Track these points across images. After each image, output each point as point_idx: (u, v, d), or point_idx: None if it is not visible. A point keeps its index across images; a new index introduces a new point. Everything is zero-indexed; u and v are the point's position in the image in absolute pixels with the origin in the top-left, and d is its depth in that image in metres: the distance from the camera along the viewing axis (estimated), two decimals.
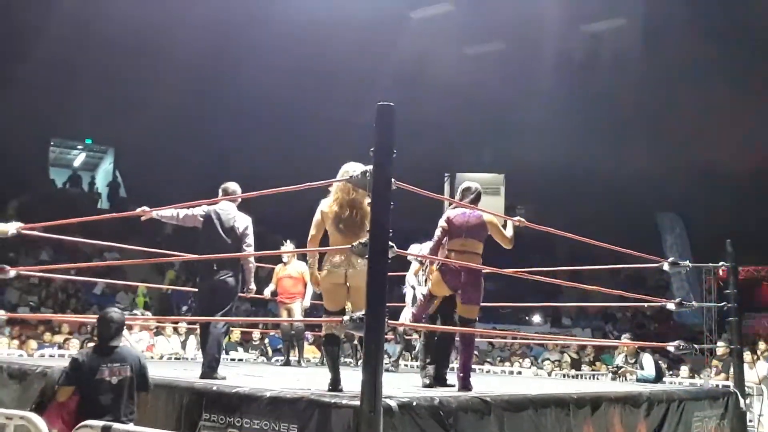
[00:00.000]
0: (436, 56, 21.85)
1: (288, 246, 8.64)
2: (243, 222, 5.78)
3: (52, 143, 25.41)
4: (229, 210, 5.79)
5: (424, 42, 21.39)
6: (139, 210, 6.00)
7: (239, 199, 5.92)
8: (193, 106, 21.80)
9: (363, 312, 3.85)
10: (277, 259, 8.96)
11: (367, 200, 4.58)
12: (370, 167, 4.08)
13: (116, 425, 2.83)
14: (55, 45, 18.89)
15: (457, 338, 5.58)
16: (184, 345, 10.25)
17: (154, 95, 20.17)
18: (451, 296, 5.39)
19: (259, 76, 20.38)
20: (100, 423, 2.84)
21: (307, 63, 20.84)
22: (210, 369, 5.36)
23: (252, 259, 5.90)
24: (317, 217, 4.83)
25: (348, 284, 4.64)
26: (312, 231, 4.86)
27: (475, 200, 5.51)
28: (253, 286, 6.08)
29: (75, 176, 25.36)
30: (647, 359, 9.14)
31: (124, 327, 4.81)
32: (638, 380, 8.88)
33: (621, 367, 9.35)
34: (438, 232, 5.43)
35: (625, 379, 9.19)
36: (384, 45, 21.16)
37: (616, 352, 10.17)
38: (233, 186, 5.95)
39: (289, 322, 8.68)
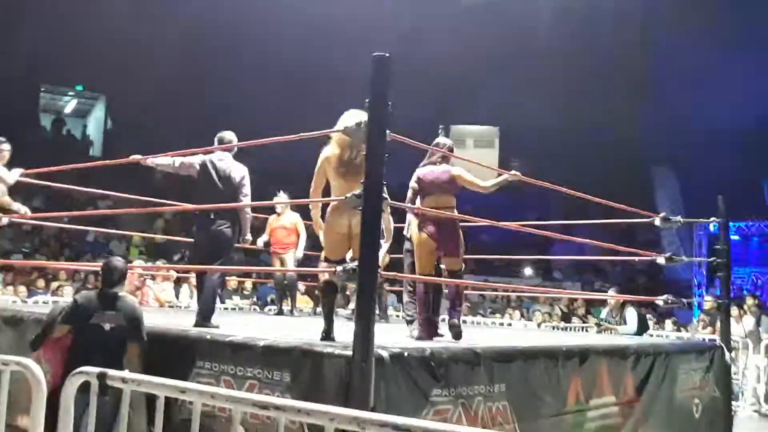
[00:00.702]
0: (433, 8, 21.56)
1: (281, 196, 8.64)
2: (239, 172, 5.73)
3: (42, 89, 25.10)
4: (225, 159, 5.73)
5: None
6: (132, 157, 5.97)
7: (235, 149, 5.86)
8: (189, 55, 21.53)
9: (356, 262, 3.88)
10: (271, 210, 8.97)
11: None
12: (365, 118, 4.06)
13: (111, 371, 2.85)
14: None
15: (446, 289, 5.66)
16: (177, 293, 10.29)
17: (149, 44, 19.89)
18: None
19: (257, 28, 20.12)
20: (96, 369, 2.86)
21: (304, 15, 20.54)
22: (203, 318, 5.40)
23: (248, 209, 5.86)
24: (319, 165, 4.77)
25: (352, 232, 4.58)
26: (313, 181, 4.81)
27: (445, 156, 5.52)
28: (249, 237, 6.05)
29: (58, 120, 25.17)
30: (630, 313, 9.23)
31: (126, 275, 4.85)
32: (621, 334, 9.00)
33: (604, 320, 9.47)
34: (409, 194, 5.41)
35: (610, 334, 9.30)
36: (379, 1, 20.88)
37: (603, 307, 10.29)
38: (229, 135, 5.88)
39: (282, 272, 8.73)
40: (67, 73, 23.34)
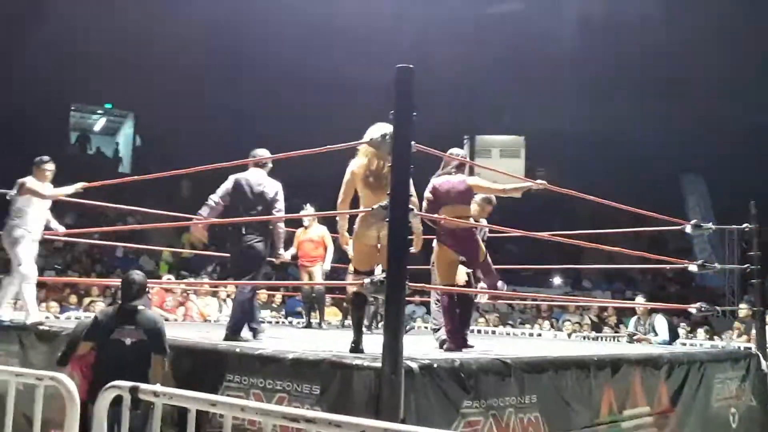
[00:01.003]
0: (458, 17, 21.57)
1: (308, 209, 8.67)
2: (272, 188, 5.80)
3: (72, 108, 25.51)
4: (258, 176, 5.82)
5: (445, 2, 21.11)
6: (193, 224, 6.12)
7: (270, 166, 5.95)
8: (214, 71, 21.74)
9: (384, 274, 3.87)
10: (298, 223, 9.00)
11: None
12: (390, 129, 4.06)
13: (143, 385, 2.87)
14: (74, 8, 18.86)
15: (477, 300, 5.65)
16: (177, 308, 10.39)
17: (174, 60, 20.14)
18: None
19: (280, 40, 20.28)
20: (128, 383, 2.88)
21: (328, 26, 20.67)
22: (233, 332, 5.43)
23: (281, 224, 5.92)
24: (347, 177, 4.80)
25: (380, 244, 4.61)
26: (341, 193, 4.83)
27: (460, 166, 5.51)
28: (282, 251, 6.12)
29: (86, 138, 25.58)
30: (660, 321, 9.03)
31: (146, 289, 4.96)
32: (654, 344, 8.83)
33: (635, 334, 9.26)
34: (424, 204, 5.31)
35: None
36: (404, 6, 20.92)
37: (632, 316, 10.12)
38: (261, 152, 5.95)
39: (310, 285, 8.74)
40: (96, 91, 23.70)
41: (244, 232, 5.63)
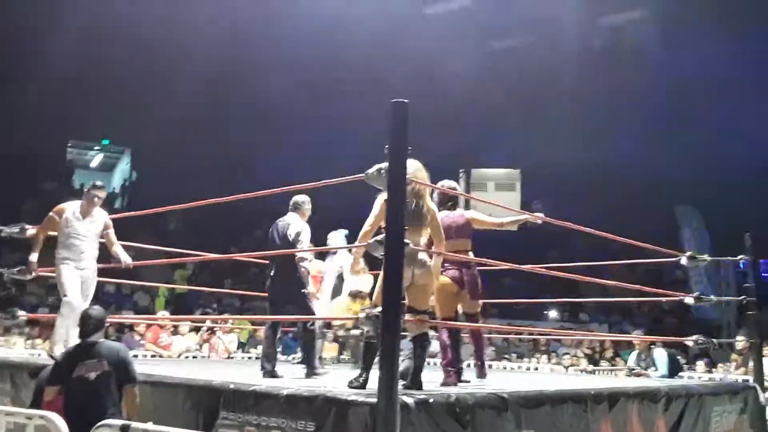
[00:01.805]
0: (452, 52, 21.80)
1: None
2: (295, 228, 6.02)
3: (69, 144, 25.60)
4: (289, 220, 6.11)
5: (441, 38, 21.35)
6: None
7: (307, 212, 6.21)
8: (210, 107, 21.90)
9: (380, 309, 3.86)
10: None
11: (428, 192, 4.78)
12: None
13: (135, 424, 2.84)
14: (71, 46, 19.02)
15: (465, 333, 5.66)
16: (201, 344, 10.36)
17: (171, 96, 20.26)
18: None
19: (276, 77, 20.45)
20: (119, 422, 2.85)
21: (324, 61, 20.88)
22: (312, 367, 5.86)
23: (305, 263, 6.04)
24: (380, 209, 4.60)
25: (414, 283, 4.62)
26: (369, 223, 4.67)
27: (455, 200, 5.59)
28: (310, 288, 6.19)
29: (83, 175, 25.62)
30: (660, 354, 9.02)
31: (105, 322, 4.80)
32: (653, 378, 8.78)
33: (633, 369, 9.23)
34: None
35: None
36: (401, 42, 21.15)
37: (632, 352, 10.07)
38: (301, 198, 6.20)
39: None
40: (94, 127, 23.81)
41: (272, 274, 6.01)
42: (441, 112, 20.38)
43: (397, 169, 3.98)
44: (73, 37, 18.96)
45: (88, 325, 4.65)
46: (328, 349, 10.43)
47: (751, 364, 7.56)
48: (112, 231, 6.60)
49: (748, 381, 7.31)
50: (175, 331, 10.15)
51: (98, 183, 6.57)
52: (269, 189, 5.65)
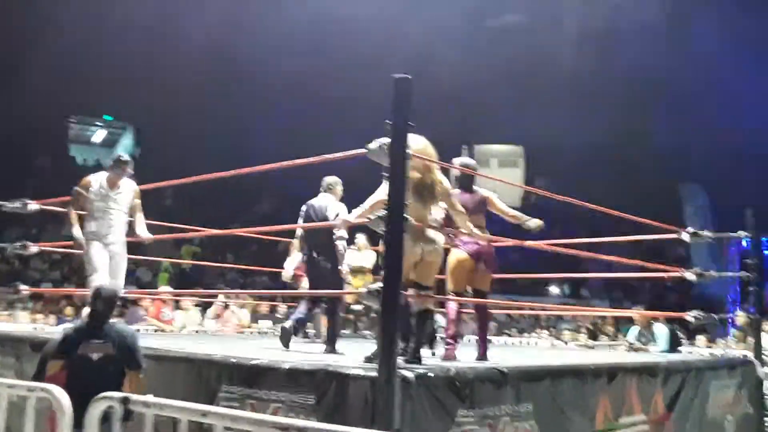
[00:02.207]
0: (458, 28, 21.67)
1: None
2: (333, 210, 6.04)
3: (71, 120, 25.57)
4: (325, 202, 6.14)
5: (444, 14, 21.20)
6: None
7: (340, 192, 6.24)
8: (213, 83, 21.85)
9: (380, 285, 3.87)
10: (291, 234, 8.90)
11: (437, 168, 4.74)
12: (386, 140, 4.07)
13: (134, 396, 2.87)
14: (74, 22, 18.94)
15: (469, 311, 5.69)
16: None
17: (173, 73, 20.21)
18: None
19: (276, 55, 20.36)
20: (119, 394, 2.87)
21: (328, 39, 20.76)
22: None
23: (342, 242, 6.07)
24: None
25: (423, 260, 4.63)
26: (379, 196, 4.59)
27: (471, 180, 5.56)
28: (344, 267, 6.22)
29: (86, 150, 25.65)
30: (660, 330, 9.07)
31: (116, 303, 4.66)
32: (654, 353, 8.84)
33: (633, 344, 9.30)
34: (443, 215, 5.20)
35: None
36: (401, 19, 21.02)
37: (632, 327, 10.13)
38: (331, 180, 6.23)
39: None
40: (96, 103, 23.78)
41: (314, 255, 6.09)
42: (443, 89, 20.28)
43: (399, 144, 3.98)
44: (75, 13, 18.88)
45: (99, 303, 4.49)
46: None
47: (750, 339, 7.60)
48: (139, 202, 6.40)
49: (746, 356, 7.35)
50: (178, 306, 10.21)
51: (124, 157, 6.37)
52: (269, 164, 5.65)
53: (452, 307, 5.34)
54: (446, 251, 5.26)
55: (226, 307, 10.35)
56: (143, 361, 4.41)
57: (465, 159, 5.72)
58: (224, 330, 9.84)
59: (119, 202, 6.24)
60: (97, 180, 6.24)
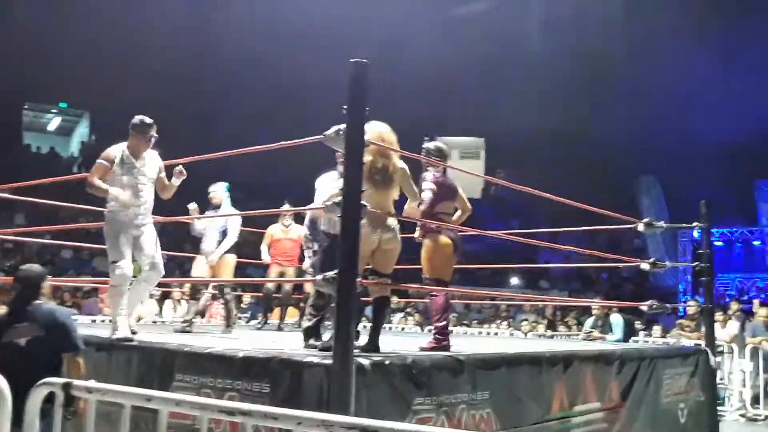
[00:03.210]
0: (419, 18, 21.67)
1: (286, 207, 8.43)
2: (325, 183, 5.68)
3: (25, 107, 25.00)
4: (328, 176, 5.71)
5: (406, 5, 21.19)
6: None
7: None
8: (172, 69, 21.50)
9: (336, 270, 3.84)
10: (267, 222, 8.80)
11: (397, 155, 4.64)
12: (343, 126, 4.03)
13: (77, 381, 2.78)
14: (28, 8, 18.50)
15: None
16: (161, 309, 10.26)
17: (132, 59, 19.87)
18: None
19: (242, 41, 20.15)
20: (60, 380, 2.79)
21: (293, 28, 20.59)
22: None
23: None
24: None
25: (380, 248, 4.56)
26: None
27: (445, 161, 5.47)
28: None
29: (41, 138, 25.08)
30: (616, 319, 9.28)
31: (41, 284, 4.24)
32: (608, 342, 9.05)
33: (590, 332, 9.50)
34: (429, 196, 5.09)
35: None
36: (367, 8, 20.94)
37: (589, 317, 10.33)
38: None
39: (276, 285, 8.60)
40: (51, 90, 23.27)
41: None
42: (407, 79, 20.30)
43: (355, 129, 3.94)
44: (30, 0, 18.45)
45: (23, 286, 4.19)
46: (290, 315, 10.44)
47: (703, 329, 7.74)
48: (164, 172, 5.52)
49: (699, 345, 7.49)
50: None
51: (147, 120, 5.43)
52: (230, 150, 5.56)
53: (438, 298, 5.07)
54: (433, 238, 5.09)
55: (215, 298, 10.07)
56: (80, 342, 4.09)
57: (438, 143, 5.62)
58: (211, 321, 9.51)
59: (146, 175, 5.35)
60: (119, 150, 5.34)
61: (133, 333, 5.18)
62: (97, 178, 5.21)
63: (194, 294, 7.43)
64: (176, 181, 5.51)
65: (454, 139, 26.18)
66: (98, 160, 5.31)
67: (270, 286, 8.76)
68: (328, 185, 5.46)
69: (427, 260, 5.10)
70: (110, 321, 5.30)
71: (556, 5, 22.31)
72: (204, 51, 21.21)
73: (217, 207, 7.34)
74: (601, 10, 22.08)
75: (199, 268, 7.47)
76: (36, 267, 4.42)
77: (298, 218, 8.11)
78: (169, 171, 5.54)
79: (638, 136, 23.45)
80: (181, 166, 5.54)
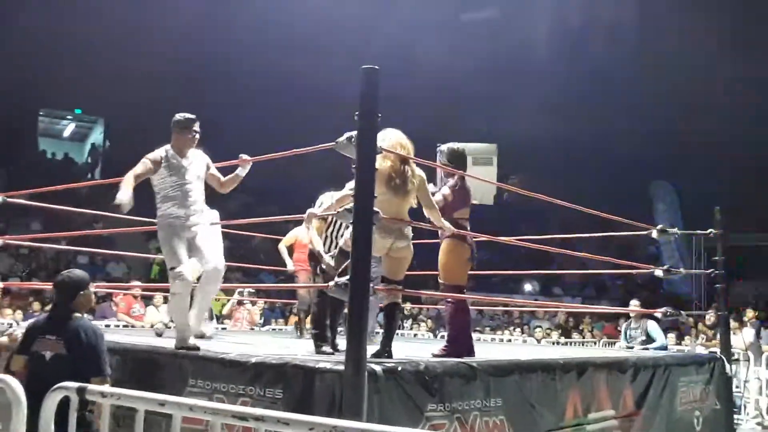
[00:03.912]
0: (432, 25, 21.69)
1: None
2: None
3: (41, 113, 25.19)
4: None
5: (417, 12, 21.22)
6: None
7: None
8: (184, 77, 21.62)
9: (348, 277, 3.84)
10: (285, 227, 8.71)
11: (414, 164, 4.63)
12: (355, 133, 4.03)
13: (91, 386, 2.79)
14: (43, 14, 18.66)
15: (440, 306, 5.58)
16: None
17: (144, 65, 19.99)
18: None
19: (251, 48, 20.22)
20: (75, 384, 2.79)
21: (300, 33, 20.66)
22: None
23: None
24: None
25: (390, 254, 4.55)
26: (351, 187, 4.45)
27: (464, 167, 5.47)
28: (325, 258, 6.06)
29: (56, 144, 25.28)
30: (653, 327, 8.89)
31: (75, 293, 3.98)
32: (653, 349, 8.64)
33: (631, 346, 9.04)
34: (442, 202, 5.02)
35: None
36: (376, 15, 20.98)
37: (622, 323, 10.07)
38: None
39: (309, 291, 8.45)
40: (66, 96, 23.44)
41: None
42: (420, 85, 20.31)
43: (367, 136, 3.94)
44: (45, 6, 18.62)
45: (56, 291, 4.00)
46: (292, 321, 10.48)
47: (718, 336, 7.68)
48: (214, 168, 5.28)
49: (715, 353, 7.43)
50: (148, 302, 10.07)
51: (189, 115, 5.12)
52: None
53: (451, 305, 5.03)
54: (451, 243, 4.99)
55: (240, 304, 10.15)
56: (106, 367, 3.81)
57: (458, 145, 5.58)
58: (236, 326, 9.79)
59: (193, 173, 5.06)
60: (163, 150, 5.04)
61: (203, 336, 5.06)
62: (134, 175, 4.88)
63: None
64: (242, 171, 5.27)
65: (466, 145, 26.10)
66: (146, 158, 5.01)
67: (305, 293, 8.41)
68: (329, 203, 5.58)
69: (444, 265, 5.05)
70: (174, 327, 5.01)
71: (569, 12, 22.27)
72: (218, 58, 21.30)
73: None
74: (614, 16, 22.01)
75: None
76: (75, 273, 4.14)
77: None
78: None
79: (651, 141, 23.30)
80: (244, 154, 5.28)
